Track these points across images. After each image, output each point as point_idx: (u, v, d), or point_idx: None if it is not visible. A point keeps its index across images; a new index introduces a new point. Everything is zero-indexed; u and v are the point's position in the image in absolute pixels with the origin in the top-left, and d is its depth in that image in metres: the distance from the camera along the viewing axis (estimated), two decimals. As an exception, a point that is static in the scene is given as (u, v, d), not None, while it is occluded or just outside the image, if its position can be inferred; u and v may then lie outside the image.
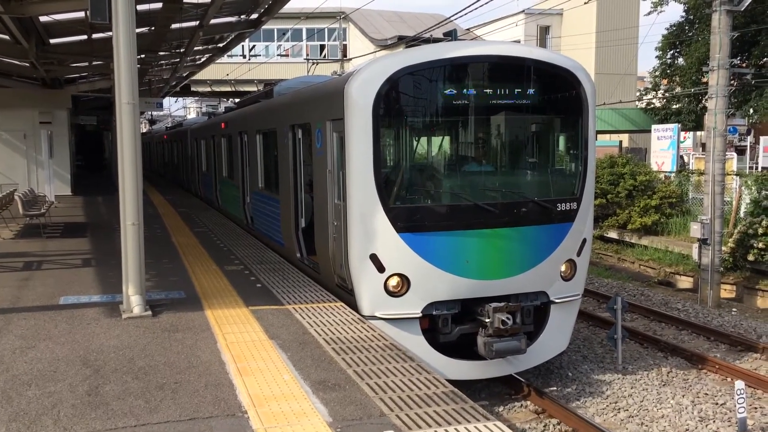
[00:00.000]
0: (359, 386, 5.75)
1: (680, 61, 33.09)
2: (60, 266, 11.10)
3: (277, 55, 42.57)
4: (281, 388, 5.73)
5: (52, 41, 17.89)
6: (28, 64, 19.35)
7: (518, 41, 37.22)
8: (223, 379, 5.93)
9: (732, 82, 22.17)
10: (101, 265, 10.99)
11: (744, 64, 29.36)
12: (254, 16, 17.98)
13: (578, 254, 9.19)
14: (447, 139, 9.27)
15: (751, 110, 29.75)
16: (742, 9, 15.58)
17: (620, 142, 36.49)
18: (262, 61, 39.55)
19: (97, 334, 7.25)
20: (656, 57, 34.65)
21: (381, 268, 8.26)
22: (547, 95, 9.04)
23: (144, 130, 58.96)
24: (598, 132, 31.62)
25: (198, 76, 34.81)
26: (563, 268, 9.08)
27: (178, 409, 5.30)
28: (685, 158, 29.90)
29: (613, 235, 23.05)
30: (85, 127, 37.95)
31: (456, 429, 4.97)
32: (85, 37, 17.48)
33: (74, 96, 26.63)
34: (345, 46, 39.68)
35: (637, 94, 38.94)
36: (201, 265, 10.90)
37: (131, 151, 7.74)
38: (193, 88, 43.34)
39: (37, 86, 23.98)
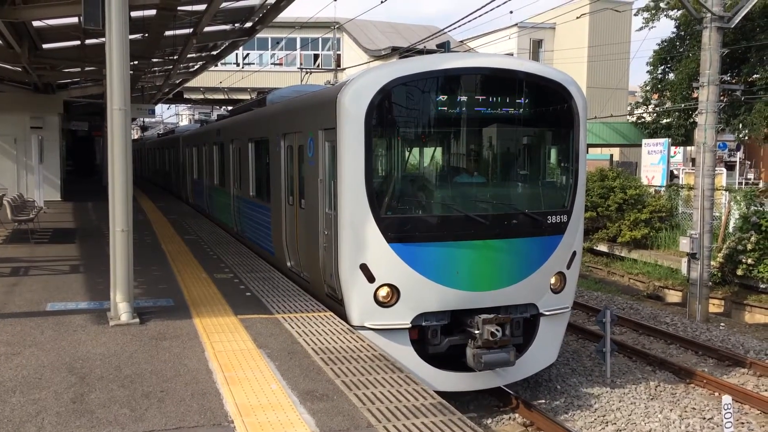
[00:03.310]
0: (347, 397, 5.72)
1: (671, 76, 33.40)
2: (48, 272, 11.02)
3: (271, 63, 42.61)
4: (268, 397, 5.70)
5: (44, 46, 17.85)
6: (20, 69, 19.30)
7: (511, 54, 37.41)
8: (210, 388, 5.89)
9: (722, 98, 22.35)
10: (89, 272, 10.93)
11: (734, 81, 29.63)
12: (248, 24, 18.01)
13: (568, 267, 9.21)
14: (439, 150, 9.29)
15: (741, 125, 30.02)
16: (732, 26, 15.73)
17: (611, 155, 36.67)
18: (256, 70, 39.58)
19: (84, 341, 7.20)
20: (647, 72, 34.98)
21: (371, 279, 8.25)
22: (539, 108, 9.09)
23: (135, 137, 58.82)
24: (589, 145, 31.78)
25: (191, 84, 34.76)
26: (553, 280, 9.10)
27: (164, 417, 5.26)
28: (675, 173, 30.09)
29: (603, 248, 23.13)
30: (77, 133, 37.87)
31: (443, 441, 4.95)
32: (78, 42, 17.45)
33: (66, 101, 26.56)
34: (339, 55, 39.80)
35: (628, 108, 39.22)
36: (190, 273, 10.85)
37: (122, 157, 7.71)
38: (185, 96, 43.29)
39: (28, 91, 23.90)
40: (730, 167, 33.11)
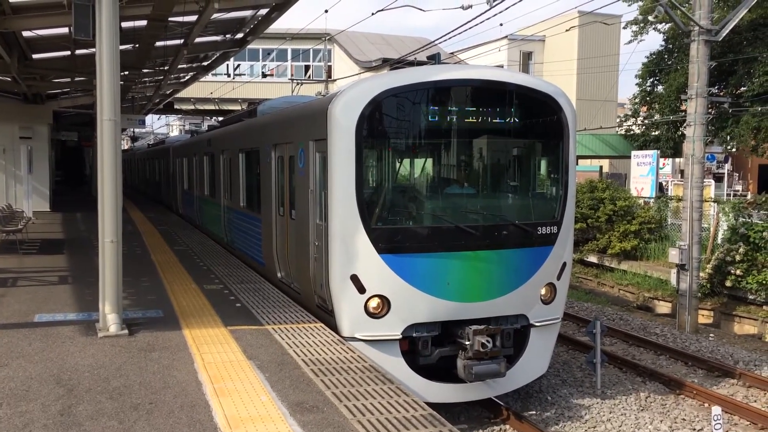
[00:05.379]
0: (337, 408, 5.70)
1: (659, 88, 33.64)
2: (36, 283, 10.94)
3: (262, 74, 42.65)
4: (258, 409, 5.67)
5: (34, 56, 17.80)
6: (9, 79, 19.23)
7: (501, 66, 37.61)
8: (199, 400, 5.85)
9: (710, 110, 22.53)
10: (78, 283, 10.86)
11: (721, 93, 29.89)
12: (239, 35, 18.04)
13: (558, 278, 9.23)
14: (429, 161, 9.32)
15: (728, 137, 30.25)
16: (720, 39, 15.89)
17: (600, 167, 36.88)
18: (247, 81, 39.60)
19: (72, 352, 7.14)
20: (636, 84, 35.25)
21: (362, 289, 8.24)
22: (529, 120, 9.13)
23: (125, 147, 58.64)
24: (579, 157, 31.95)
25: (182, 94, 34.73)
26: (543, 291, 9.11)
27: (153, 430, 5.22)
28: (664, 184, 30.27)
29: (593, 259, 23.21)
30: (66, 143, 37.73)
31: (434, 453, 4.94)
32: (68, 52, 17.42)
33: (55, 111, 26.45)
34: (330, 67, 39.87)
35: (618, 120, 39.48)
36: (180, 284, 10.80)
37: (111, 167, 7.69)
38: (176, 106, 43.21)
39: (18, 101, 23.80)
40: (718, 179, 33.35)
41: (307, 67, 42.95)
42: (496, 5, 14.46)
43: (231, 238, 14.77)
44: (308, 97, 12.37)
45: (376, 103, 8.25)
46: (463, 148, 9.11)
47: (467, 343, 8.34)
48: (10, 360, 6.86)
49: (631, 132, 36.44)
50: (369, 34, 43.91)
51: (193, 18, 14.06)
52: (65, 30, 14.20)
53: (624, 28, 35.51)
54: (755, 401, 10.76)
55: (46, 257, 13.66)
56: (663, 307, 18.99)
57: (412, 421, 5.49)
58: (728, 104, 26.01)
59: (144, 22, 14.15)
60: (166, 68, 20.52)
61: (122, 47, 10.24)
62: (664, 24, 32.07)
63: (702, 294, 16.97)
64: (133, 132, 58.65)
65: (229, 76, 41.40)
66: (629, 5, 33.94)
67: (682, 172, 23.29)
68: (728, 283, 17.33)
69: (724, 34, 15.67)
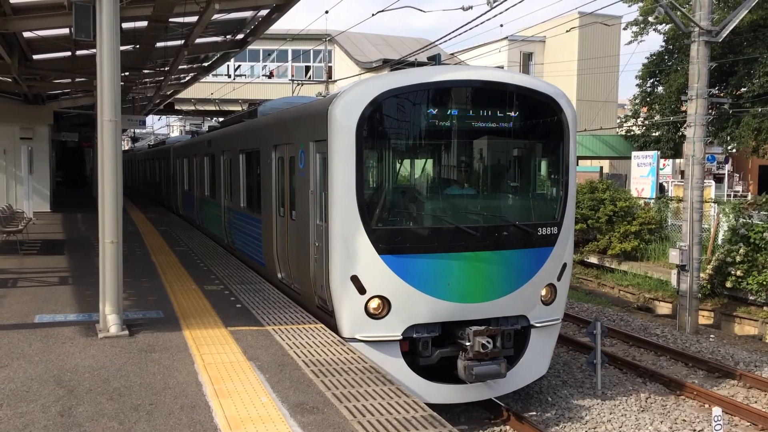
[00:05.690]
0: (338, 409, 5.70)
1: (660, 89, 33.62)
2: (36, 284, 10.94)
3: (262, 75, 42.67)
4: (258, 410, 5.67)
5: (35, 57, 17.81)
6: (10, 80, 19.23)
7: (501, 67, 37.59)
8: (199, 401, 5.85)
9: (710, 111, 22.52)
10: (78, 283, 10.86)
11: (722, 94, 29.87)
12: (240, 36, 18.04)
13: (558, 279, 9.23)
14: (429, 162, 9.32)
15: (729, 138, 30.24)
16: (720, 40, 15.90)
17: (601, 168, 36.86)
18: (247, 81, 39.62)
19: (72, 353, 7.14)
20: (636, 85, 35.21)
21: (362, 290, 8.24)
22: (529, 120, 9.13)
23: (126, 148, 58.67)
24: (579, 158, 31.92)
25: (182, 95, 34.75)
26: (543, 292, 9.11)
27: (153, 431, 5.22)
28: (665, 185, 30.26)
29: (593, 260, 23.20)
30: (66, 144, 37.74)
31: (434, 454, 4.93)
32: (68, 53, 17.42)
33: (56, 112, 26.46)
34: (330, 68, 39.89)
35: (618, 121, 39.47)
36: (180, 285, 10.80)
37: (112, 168, 7.69)
38: (177, 107, 43.24)
39: (18, 102, 23.80)
40: (718, 179, 33.35)
41: (307, 68, 42.98)
42: (496, 6, 14.48)
43: (231, 239, 14.77)
44: (309, 98, 12.38)
45: (377, 104, 8.25)
46: (464, 148, 9.12)
47: (468, 343, 8.34)
48: (10, 360, 6.86)
49: (632, 133, 36.42)
50: (369, 34, 43.91)
51: (194, 19, 14.07)
52: (66, 31, 14.21)
53: (624, 29, 35.52)
54: (756, 402, 10.76)
55: (46, 258, 13.66)
56: (663, 308, 18.98)
57: (413, 422, 5.49)
58: (728, 105, 26.01)
59: (144, 23, 14.16)
60: (166, 69, 20.53)
61: (123, 48, 10.25)
62: (664, 25, 32.03)
63: (702, 295, 16.96)
64: (134, 133, 58.68)
65: (229, 76, 41.43)
66: (629, 6, 33.93)
67: (682, 172, 23.28)
68: (729, 284, 17.32)
69: (724, 35, 15.67)
